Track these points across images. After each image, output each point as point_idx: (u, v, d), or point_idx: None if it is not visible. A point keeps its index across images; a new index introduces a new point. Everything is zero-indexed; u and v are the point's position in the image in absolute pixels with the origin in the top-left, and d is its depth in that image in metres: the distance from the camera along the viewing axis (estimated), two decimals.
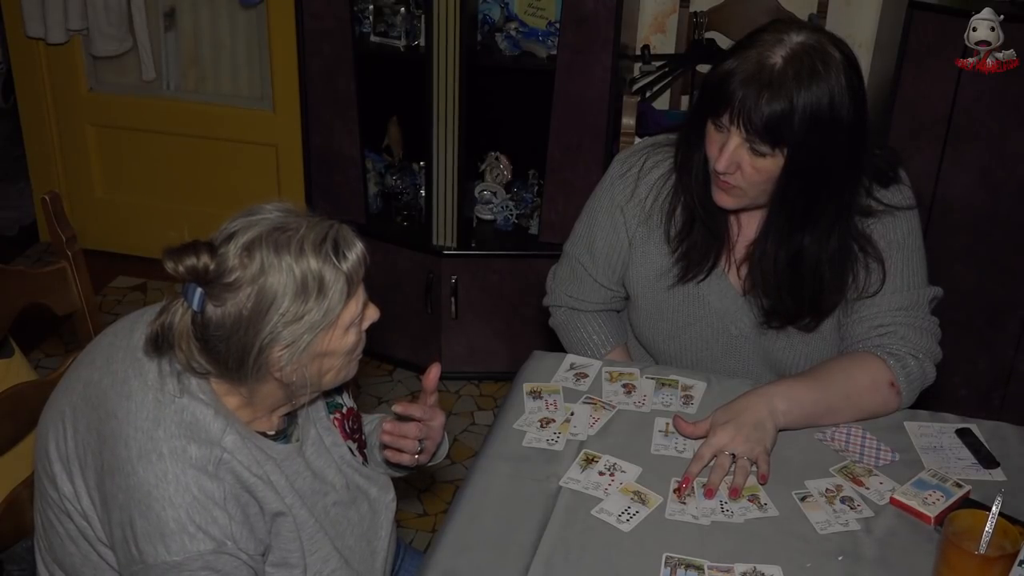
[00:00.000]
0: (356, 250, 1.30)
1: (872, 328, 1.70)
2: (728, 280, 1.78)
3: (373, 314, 1.38)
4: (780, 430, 1.60)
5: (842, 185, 1.62)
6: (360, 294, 1.33)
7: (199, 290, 1.23)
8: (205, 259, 1.22)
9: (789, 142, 1.55)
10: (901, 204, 1.71)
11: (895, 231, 1.70)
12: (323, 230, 1.28)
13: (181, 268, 1.22)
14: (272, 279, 1.23)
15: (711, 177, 1.65)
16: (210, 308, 1.24)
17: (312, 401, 1.45)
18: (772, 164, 1.58)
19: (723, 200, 1.66)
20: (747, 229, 1.75)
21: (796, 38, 1.55)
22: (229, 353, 1.26)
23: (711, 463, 1.55)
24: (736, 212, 1.73)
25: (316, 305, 1.26)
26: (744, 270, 1.75)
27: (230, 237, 1.25)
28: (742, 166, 1.59)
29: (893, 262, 1.70)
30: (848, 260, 1.68)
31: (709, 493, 1.51)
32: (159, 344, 1.28)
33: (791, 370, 1.79)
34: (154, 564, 1.25)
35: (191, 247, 1.23)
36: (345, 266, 1.28)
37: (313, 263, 1.25)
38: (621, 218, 1.82)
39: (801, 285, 1.68)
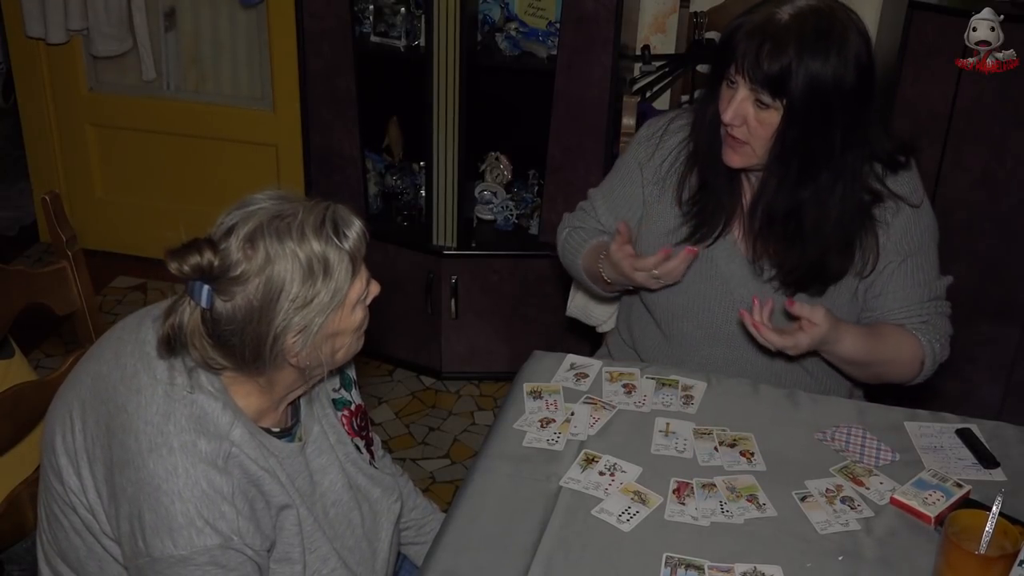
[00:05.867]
0: (355, 228, 1.31)
1: (909, 317, 1.80)
2: (738, 246, 1.82)
3: (375, 289, 1.40)
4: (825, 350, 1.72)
5: (843, 147, 1.68)
6: (364, 271, 1.35)
7: (206, 287, 1.24)
8: (209, 256, 1.23)
9: (789, 93, 1.61)
10: (911, 198, 1.77)
11: (917, 226, 1.78)
12: (320, 212, 1.29)
13: (186, 267, 1.23)
14: (279, 267, 1.25)
15: (722, 137, 1.72)
16: (219, 304, 1.25)
17: (321, 382, 1.46)
18: (776, 117, 1.65)
19: (731, 158, 1.73)
20: None
21: (807, 1, 1.63)
22: (244, 346, 1.27)
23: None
24: (746, 174, 1.78)
25: (324, 287, 1.27)
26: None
27: (230, 231, 1.26)
28: (748, 120, 1.66)
29: (925, 257, 1.80)
30: (854, 227, 1.74)
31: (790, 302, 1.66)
32: (172, 345, 1.29)
33: None
34: (160, 558, 1.25)
35: (193, 245, 1.24)
36: (347, 245, 1.29)
37: (316, 246, 1.26)
38: (639, 175, 1.91)
39: (804, 242, 1.73)
